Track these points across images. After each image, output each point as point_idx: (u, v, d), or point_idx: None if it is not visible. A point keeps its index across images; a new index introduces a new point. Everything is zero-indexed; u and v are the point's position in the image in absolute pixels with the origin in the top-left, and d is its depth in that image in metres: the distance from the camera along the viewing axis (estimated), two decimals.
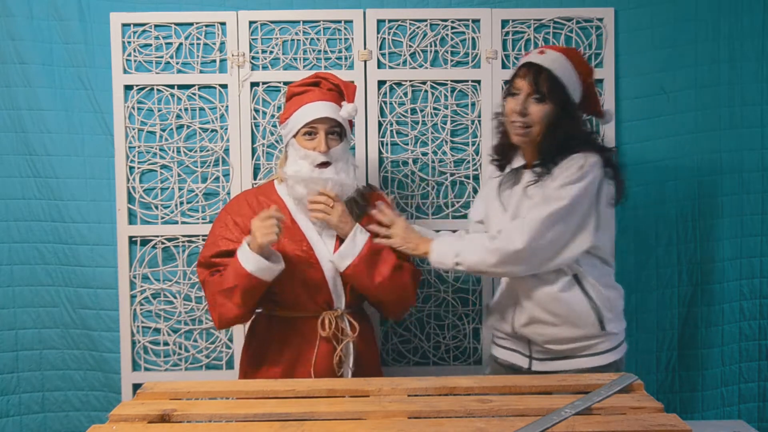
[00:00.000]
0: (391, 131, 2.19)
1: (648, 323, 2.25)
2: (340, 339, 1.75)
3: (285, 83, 2.12)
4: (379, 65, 2.17)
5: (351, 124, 1.84)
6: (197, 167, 2.19)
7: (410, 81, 2.17)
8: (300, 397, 1.41)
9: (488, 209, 1.84)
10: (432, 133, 2.19)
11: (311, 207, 1.72)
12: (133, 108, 2.17)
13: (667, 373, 2.27)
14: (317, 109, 1.72)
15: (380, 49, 2.17)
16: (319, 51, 2.17)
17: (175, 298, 2.20)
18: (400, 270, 1.76)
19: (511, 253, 1.60)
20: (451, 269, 1.71)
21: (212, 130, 2.19)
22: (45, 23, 2.15)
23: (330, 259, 1.73)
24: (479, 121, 2.17)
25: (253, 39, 2.16)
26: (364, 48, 2.16)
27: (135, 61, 2.17)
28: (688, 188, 2.22)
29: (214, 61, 2.17)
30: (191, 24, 2.16)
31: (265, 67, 2.17)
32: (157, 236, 2.19)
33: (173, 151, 2.19)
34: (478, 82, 2.17)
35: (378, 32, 2.16)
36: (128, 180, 2.18)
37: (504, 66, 2.17)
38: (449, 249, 1.70)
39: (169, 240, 2.19)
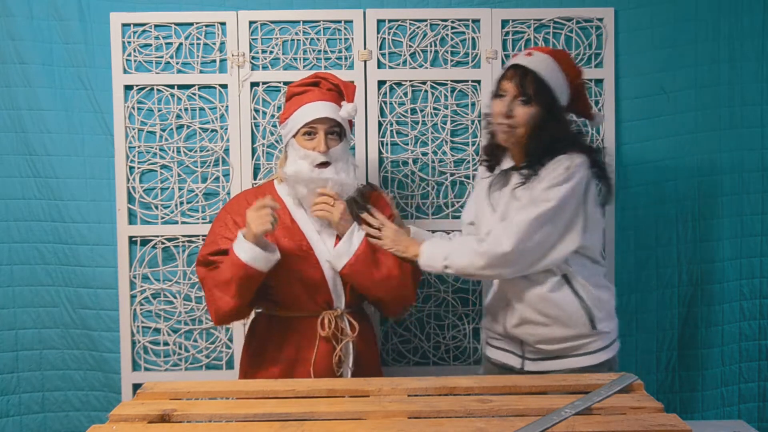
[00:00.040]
0: (391, 131, 2.19)
1: (648, 323, 2.25)
2: (340, 339, 1.75)
3: (285, 83, 2.12)
4: (379, 65, 2.17)
5: (351, 123, 1.84)
6: (197, 167, 2.19)
7: (410, 81, 2.17)
8: (300, 397, 1.41)
9: (478, 210, 1.85)
10: (432, 133, 2.19)
11: (313, 207, 1.73)
12: (133, 108, 2.17)
13: (667, 373, 2.27)
14: (317, 109, 1.72)
15: (380, 49, 2.17)
16: (319, 51, 2.17)
17: (175, 298, 2.20)
18: (399, 268, 1.76)
19: (499, 255, 1.60)
20: (441, 272, 1.71)
21: (212, 130, 2.19)
22: (45, 23, 2.15)
23: (327, 258, 1.74)
24: (479, 121, 2.17)
25: (253, 39, 2.16)
26: (364, 48, 2.16)
27: (135, 61, 2.17)
28: (688, 188, 2.22)
29: (214, 61, 2.17)
30: (191, 24, 2.16)
31: (265, 67, 2.17)
32: (157, 236, 2.19)
33: (173, 151, 2.19)
34: (478, 82, 2.17)
35: (378, 32, 2.16)
36: (128, 180, 2.18)
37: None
38: (438, 252, 1.70)
39: (169, 240, 2.19)
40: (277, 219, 1.64)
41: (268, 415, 1.29)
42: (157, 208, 2.19)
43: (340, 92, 1.77)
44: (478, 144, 2.18)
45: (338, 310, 1.77)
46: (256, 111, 2.18)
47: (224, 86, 2.16)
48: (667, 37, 2.19)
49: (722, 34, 2.19)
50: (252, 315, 1.90)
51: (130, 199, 2.19)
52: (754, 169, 2.23)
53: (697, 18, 2.19)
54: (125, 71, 2.16)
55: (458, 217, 2.18)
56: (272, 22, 2.16)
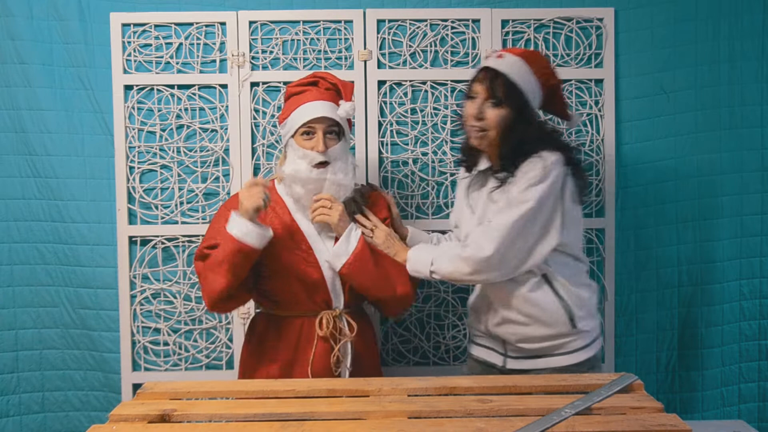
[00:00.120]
0: (391, 131, 2.19)
1: (648, 323, 2.25)
2: (338, 339, 1.75)
3: (285, 83, 2.12)
4: (379, 65, 2.17)
5: (350, 123, 1.84)
6: (197, 167, 2.19)
7: (410, 81, 2.17)
8: (300, 397, 1.42)
9: (457, 211, 1.86)
10: (432, 133, 2.19)
11: (312, 214, 1.73)
12: (133, 108, 2.17)
13: (667, 373, 2.27)
14: (315, 108, 1.72)
15: (380, 49, 2.17)
16: (319, 51, 2.17)
17: (175, 298, 2.21)
18: (397, 268, 1.76)
19: (483, 260, 1.60)
20: (428, 278, 1.71)
21: (212, 130, 2.19)
22: (45, 23, 2.15)
23: (326, 258, 1.74)
24: None
25: (253, 39, 2.16)
26: (364, 48, 2.16)
27: (135, 61, 2.17)
28: (688, 188, 2.22)
29: (214, 61, 2.17)
30: (191, 24, 2.16)
31: (265, 67, 2.17)
32: (157, 236, 2.19)
33: (173, 151, 2.19)
34: None
35: (378, 32, 2.16)
36: (128, 180, 2.18)
37: None
38: (424, 258, 1.71)
39: (169, 240, 2.19)
40: (269, 198, 1.65)
41: (268, 415, 1.29)
42: (157, 208, 2.19)
43: (338, 91, 1.77)
44: None
45: (337, 310, 1.77)
46: (256, 111, 2.18)
47: (224, 86, 2.16)
48: (667, 37, 2.19)
49: (722, 34, 2.19)
50: (252, 314, 1.90)
51: (130, 199, 2.19)
52: (754, 169, 2.23)
53: (697, 18, 2.19)
54: (125, 71, 2.16)
55: None
56: (272, 22, 2.16)
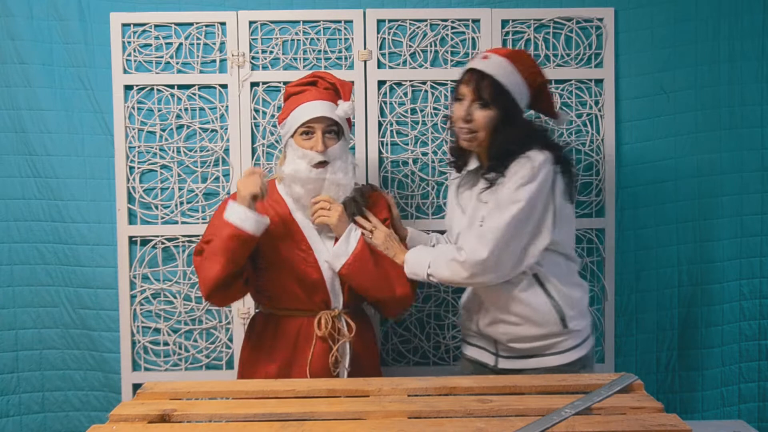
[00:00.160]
0: (391, 131, 2.19)
1: (648, 323, 2.25)
2: (337, 339, 1.75)
3: (285, 83, 2.12)
4: (379, 65, 2.17)
5: (350, 122, 1.83)
6: (197, 167, 2.19)
7: (410, 81, 2.17)
8: (300, 397, 1.42)
9: (449, 212, 1.87)
10: (432, 133, 2.19)
11: (312, 216, 1.73)
12: (133, 108, 2.17)
13: (667, 373, 2.27)
14: (313, 108, 1.72)
15: (380, 49, 2.17)
16: (319, 51, 2.17)
17: (175, 298, 2.21)
18: (397, 269, 1.76)
19: (479, 263, 1.60)
20: (426, 281, 1.71)
21: (212, 130, 2.19)
22: (45, 23, 2.15)
23: (325, 259, 1.74)
24: None
25: (253, 39, 2.16)
26: (364, 48, 2.16)
27: (135, 61, 2.17)
28: (688, 188, 2.22)
29: (214, 61, 2.17)
30: (191, 24, 2.16)
31: (265, 67, 2.17)
32: (157, 236, 2.19)
33: (173, 151, 2.19)
34: None
35: (378, 32, 2.16)
36: (128, 180, 2.18)
37: None
38: (422, 261, 1.71)
39: (169, 240, 2.19)
40: (267, 188, 1.65)
41: (268, 415, 1.30)
42: (157, 208, 2.19)
43: (336, 91, 1.77)
44: None
45: (336, 310, 1.77)
46: (256, 111, 2.18)
47: (224, 86, 2.17)
48: (667, 37, 2.19)
49: (722, 34, 2.19)
50: (252, 314, 1.90)
51: (130, 199, 2.19)
52: (754, 169, 2.23)
53: (697, 18, 2.19)
54: (125, 71, 2.16)
55: None
56: (272, 22, 2.16)
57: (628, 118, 2.21)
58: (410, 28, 2.17)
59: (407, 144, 2.20)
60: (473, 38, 2.17)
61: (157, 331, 2.21)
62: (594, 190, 2.21)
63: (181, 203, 2.19)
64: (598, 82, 2.19)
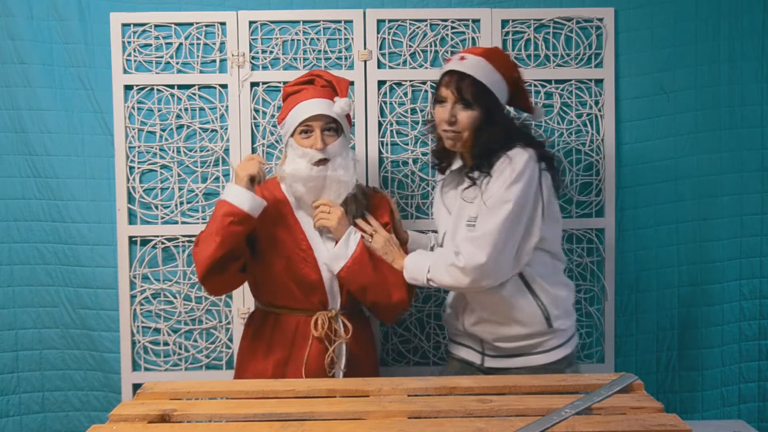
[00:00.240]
0: (391, 131, 2.19)
1: (648, 323, 2.25)
2: (333, 340, 1.75)
3: (285, 83, 2.11)
4: (379, 65, 2.17)
5: (349, 119, 1.83)
6: (197, 167, 2.19)
7: (410, 81, 2.17)
8: (300, 397, 1.42)
9: (435, 212, 1.88)
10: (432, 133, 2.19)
11: (314, 219, 1.74)
12: (133, 108, 2.17)
13: (667, 373, 2.27)
14: (311, 106, 1.72)
15: (380, 49, 2.17)
16: (319, 51, 2.17)
17: (175, 298, 2.21)
18: (394, 274, 1.75)
19: (478, 268, 1.60)
20: (425, 285, 1.72)
21: (212, 130, 2.19)
22: (45, 23, 2.15)
23: (325, 261, 1.73)
24: None
25: (253, 39, 2.16)
26: (364, 48, 2.16)
27: (135, 61, 2.17)
28: (688, 188, 2.22)
29: (214, 61, 2.17)
30: (191, 24, 2.16)
31: (265, 67, 2.17)
32: (157, 236, 2.19)
33: (173, 151, 2.19)
34: None
35: (378, 32, 2.16)
36: (128, 180, 2.18)
37: None
38: (421, 266, 1.70)
39: (169, 240, 2.19)
40: (265, 173, 1.68)
41: (268, 415, 1.30)
42: (157, 208, 2.19)
43: (333, 88, 1.77)
44: None
45: (333, 311, 1.77)
46: (256, 111, 2.18)
47: (224, 86, 2.17)
48: (667, 37, 2.19)
49: (722, 34, 2.19)
50: (250, 310, 1.90)
51: (130, 199, 2.19)
52: (754, 169, 2.23)
53: (697, 18, 2.19)
54: (125, 71, 2.16)
55: None
56: (272, 22, 2.16)
57: (628, 118, 2.20)
58: (410, 28, 2.17)
59: (407, 144, 2.20)
60: (473, 38, 2.17)
61: (157, 331, 2.21)
62: (594, 190, 2.21)
63: (181, 203, 2.19)
64: (598, 82, 2.19)
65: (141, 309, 2.21)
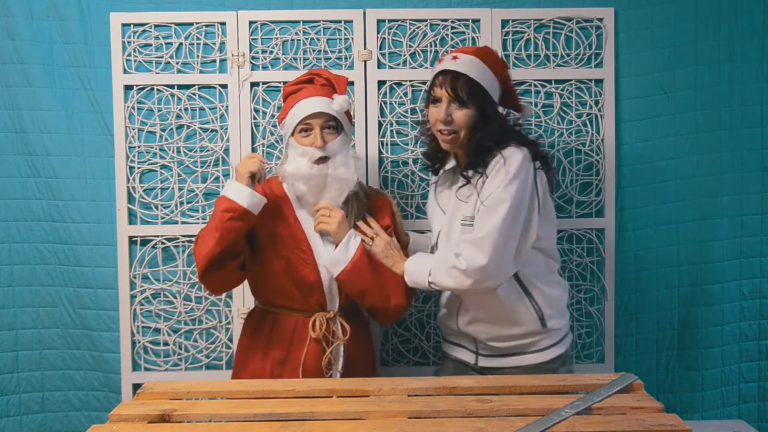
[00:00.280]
0: (391, 131, 2.19)
1: (648, 323, 2.25)
2: (331, 341, 1.74)
3: (285, 83, 2.11)
4: (379, 65, 2.17)
5: (349, 116, 1.82)
6: (197, 167, 2.19)
7: (410, 81, 2.17)
8: (300, 397, 1.42)
9: (429, 212, 1.88)
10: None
11: (315, 224, 1.74)
12: (133, 108, 2.17)
13: (667, 373, 2.27)
14: (310, 104, 1.72)
15: (380, 49, 2.17)
16: (319, 51, 2.17)
17: (175, 298, 2.21)
18: (393, 278, 1.75)
19: (480, 269, 1.60)
20: (427, 288, 1.72)
21: (212, 130, 2.19)
22: (45, 23, 2.15)
23: (324, 264, 1.73)
24: None
25: (253, 39, 2.16)
26: (364, 48, 2.16)
27: (135, 61, 2.17)
28: (688, 188, 2.22)
29: (214, 61, 2.17)
30: (191, 24, 2.16)
31: (265, 67, 2.17)
32: (157, 236, 2.19)
33: (173, 151, 2.19)
34: None
35: (378, 32, 2.16)
36: (128, 180, 2.18)
37: None
38: (422, 269, 1.70)
39: (169, 240, 2.19)
40: (266, 171, 1.68)
41: (268, 415, 1.30)
42: (157, 208, 2.19)
43: (333, 86, 1.77)
44: None
45: (331, 312, 1.77)
46: (256, 111, 2.18)
47: (224, 86, 2.17)
48: (667, 37, 2.19)
49: (722, 34, 2.19)
50: (249, 309, 1.91)
51: (130, 199, 2.19)
52: (754, 169, 2.23)
53: (697, 18, 2.19)
54: (125, 71, 2.16)
55: None
56: (272, 22, 2.16)
57: (628, 118, 2.20)
58: (410, 28, 2.17)
59: (407, 144, 2.20)
60: (473, 38, 2.17)
61: (157, 331, 2.21)
62: (594, 190, 2.21)
63: (181, 203, 2.19)
64: (598, 82, 2.19)
65: (141, 309, 2.21)
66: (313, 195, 1.74)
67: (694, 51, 2.19)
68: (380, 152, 2.19)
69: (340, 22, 2.17)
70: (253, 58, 2.16)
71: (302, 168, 1.71)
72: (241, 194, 1.64)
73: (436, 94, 1.69)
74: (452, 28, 2.17)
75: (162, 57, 2.17)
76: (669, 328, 2.25)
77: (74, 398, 2.25)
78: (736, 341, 2.27)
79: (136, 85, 2.16)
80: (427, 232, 1.99)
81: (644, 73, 2.19)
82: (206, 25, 2.16)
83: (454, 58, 1.68)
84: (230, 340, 2.21)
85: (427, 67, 2.17)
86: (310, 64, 2.17)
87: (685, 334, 2.26)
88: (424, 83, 2.17)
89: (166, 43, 2.16)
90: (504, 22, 2.16)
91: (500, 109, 1.77)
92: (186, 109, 2.18)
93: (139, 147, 2.18)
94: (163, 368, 2.22)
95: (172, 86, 2.17)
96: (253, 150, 2.17)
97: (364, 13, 2.16)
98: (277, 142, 2.18)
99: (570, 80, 2.18)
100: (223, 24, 2.16)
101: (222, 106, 2.17)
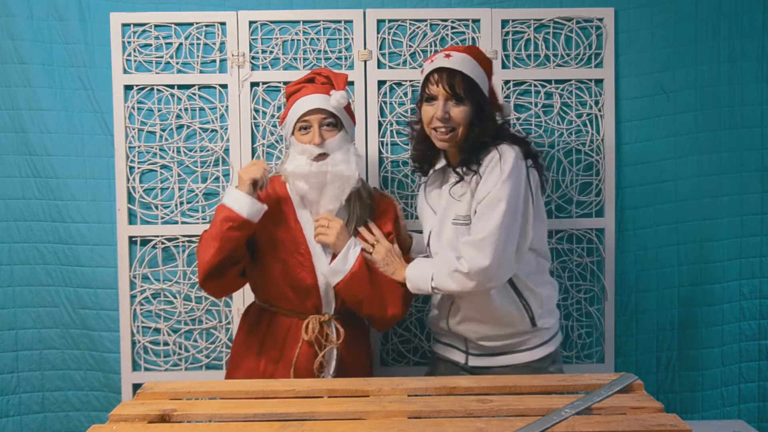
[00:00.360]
0: (391, 131, 2.19)
1: (648, 323, 2.25)
2: (323, 345, 1.74)
3: (285, 83, 2.12)
4: (379, 65, 2.17)
5: (351, 114, 1.81)
6: (197, 167, 2.19)
7: (410, 81, 2.17)
8: (300, 397, 1.42)
9: (419, 213, 1.88)
10: None
11: (314, 234, 1.73)
12: (133, 108, 2.17)
13: (667, 373, 2.27)
14: (308, 102, 1.72)
15: (380, 49, 2.17)
16: (319, 51, 2.17)
17: (175, 298, 2.21)
18: (391, 289, 1.74)
19: (483, 271, 1.60)
20: (430, 293, 1.72)
21: (212, 130, 2.19)
22: (45, 23, 2.15)
23: (322, 272, 1.73)
24: None
25: (253, 39, 2.16)
26: (364, 48, 2.16)
27: (135, 61, 2.17)
28: (688, 188, 2.22)
29: (214, 61, 2.17)
30: (191, 24, 2.16)
31: (265, 67, 2.17)
32: (157, 236, 2.19)
33: (173, 151, 2.19)
34: None
35: (378, 32, 2.16)
36: (128, 180, 2.18)
37: (504, 66, 2.17)
38: (424, 275, 1.70)
39: (169, 240, 2.19)
40: (269, 178, 1.67)
41: (268, 415, 1.30)
42: (157, 208, 2.19)
43: (332, 83, 1.76)
44: None
45: (327, 315, 1.76)
46: (256, 111, 2.18)
47: (224, 86, 2.17)
48: (667, 37, 2.19)
49: (722, 34, 2.19)
50: (246, 305, 1.91)
51: (130, 199, 2.19)
52: (754, 169, 2.23)
53: (697, 18, 2.19)
54: (125, 71, 2.16)
55: None
56: (272, 22, 2.16)
57: (628, 118, 2.20)
58: (410, 28, 2.17)
59: (407, 144, 2.19)
60: (473, 38, 2.17)
61: (157, 331, 2.21)
62: (594, 190, 2.21)
63: (181, 203, 2.19)
64: (598, 82, 2.19)
65: (141, 309, 2.21)
66: (315, 193, 1.73)
67: (694, 51, 2.19)
68: (380, 152, 2.19)
69: (340, 22, 2.17)
70: (253, 58, 2.16)
71: (302, 166, 1.70)
72: (241, 204, 1.64)
73: (432, 92, 1.69)
74: (452, 28, 2.17)
75: (162, 57, 2.17)
76: (669, 328, 2.25)
77: (74, 398, 2.25)
78: (736, 341, 2.27)
79: (136, 85, 2.16)
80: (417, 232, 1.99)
81: (644, 73, 2.19)
82: (206, 25, 2.16)
83: (447, 56, 1.69)
84: (230, 340, 2.21)
85: None
86: (310, 64, 2.17)
87: (685, 334, 2.26)
88: None
89: (166, 43, 2.16)
90: (504, 22, 2.16)
91: None
92: (186, 109, 2.18)
93: (139, 147, 2.18)
94: (163, 368, 2.22)
95: (172, 86, 2.17)
96: (253, 150, 2.17)
97: (364, 13, 2.16)
98: (277, 142, 2.18)
99: (570, 80, 2.18)
100: (223, 24, 2.16)
101: (222, 106, 2.17)
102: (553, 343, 1.77)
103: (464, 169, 1.68)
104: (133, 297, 2.20)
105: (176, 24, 2.16)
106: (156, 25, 2.16)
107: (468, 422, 1.25)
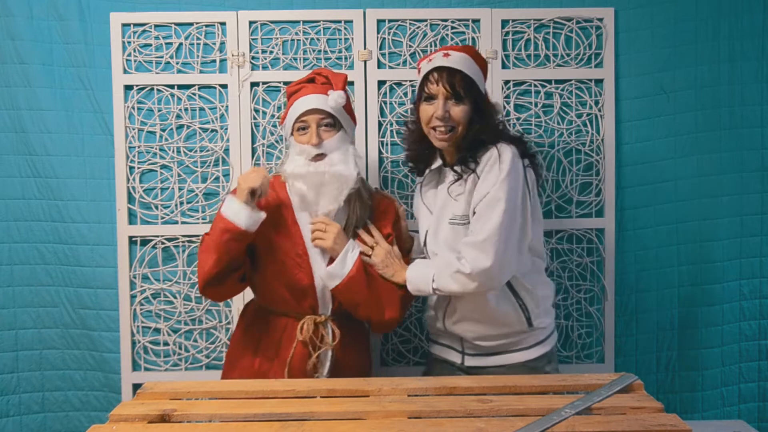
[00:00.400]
0: (391, 131, 2.19)
1: (648, 323, 2.25)
2: (318, 346, 1.74)
3: (285, 83, 2.12)
4: (379, 65, 2.17)
5: (351, 113, 1.81)
6: (197, 167, 2.19)
7: (410, 81, 2.17)
8: (300, 397, 1.42)
9: (415, 212, 1.88)
10: None
11: (311, 238, 1.73)
12: (133, 108, 2.17)
13: (667, 373, 2.27)
14: (306, 102, 1.72)
15: (380, 49, 2.17)
16: (319, 51, 2.17)
17: (175, 298, 2.21)
18: (389, 292, 1.74)
19: (485, 271, 1.60)
20: (431, 294, 1.72)
21: (212, 130, 2.19)
22: (45, 23, 2.15)
23: (320, 275, 1.72)
24: None
25: (253, 39, 2.16)
26: (364, 48, 2.16)
27: (135, 61, 2.17)
28: (688, 188, 2.22)
29: (214, 61, 2.17)
30: (191, 24, 2.16)
31: (265, 67, 2.17)
32: (157, 236, 2.19)
33: (173, 151, 2.19)
34: None
35: (378, 32, 2.16)
36: (128, 180, 2.18)
37: (504, 66, 2.17)
38: (425, 276, 1.70)
39: (169, 240, 2.19)
40: (268, 186, 1.67)
41: (268, 415, 1.30)
42: (157, 208, 2.19)
43: (330, 83, 1.76)
44: None
45: (323, 316, 1.76)
46: (256, 111, 2.18)
47: (224, 86, 2.17)
48: (667, 37, 2.19)
49: (722, 34, 2.19)
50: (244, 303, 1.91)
51: (130, 199, 2.19)
52: (754, 169, 2.23)
53: (697, 18, 2.19)
54: (125, 71, 2.16)
55: None
56: (272, 22, 2.16)
57: (628, 118, 2.20)
58: (410, 28, 2.17)
59: None
60: (473, 38, 2.17)
61: (157, 331, 2.21)
62: (594, 190, 2.21)
63: (181, 203, 2.19)
64: (598, 82, 2.19)
65: (141, 309, 2.21)
66: (313, 193, 1.72)
67: (694, 51, 2.19)
68: (380, 152, 2.19)
69: (340, 22, 2.17)
70: (253, 58, 2.16)
71: (300, 166, 1.70)
72: (239, 215, 1.63)
73: (431, 91, 1.69)
74: (452, 28, 2.17)
75: (162, 57, 2.17)
76: (669, 328, 2.25)
77: (74, 398, 2.25)
78: (736, 341, 2.27)
79: (136, 85, 2.16)
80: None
81: (644, 73, 2.19)
82: (206, 25, 2.16)
83: (446, 55, 1.69)
84: (230, 340, 2.21)
85: None
86: (310, 64, 2.17)
87: (685, 334, 2.26)
88: None
89: (166, 43, 2.16)
90: (504, 22, 2.16)
91: None
92: (186, 109, 2.18)
93: (139, 147, 2.18)
94: (163, 368, 2.22)
95: (172, 86, 2.17)
96: (253, 150, 2.17)
97: (364, 13, 2.16)
98: (277, 142, 2.18)
99: (570, 80, 2.18)
100: (223, 24, 2.16)
101: (222, 106, 2.17)
102: (548, 342, 1.77)
103: (462, 167, 1.68)
104: (133, 297, 2.20)
105: (176, 24, 2.16)
106: (156, 25, 2.16)
107: (468, 422, 1.25)
